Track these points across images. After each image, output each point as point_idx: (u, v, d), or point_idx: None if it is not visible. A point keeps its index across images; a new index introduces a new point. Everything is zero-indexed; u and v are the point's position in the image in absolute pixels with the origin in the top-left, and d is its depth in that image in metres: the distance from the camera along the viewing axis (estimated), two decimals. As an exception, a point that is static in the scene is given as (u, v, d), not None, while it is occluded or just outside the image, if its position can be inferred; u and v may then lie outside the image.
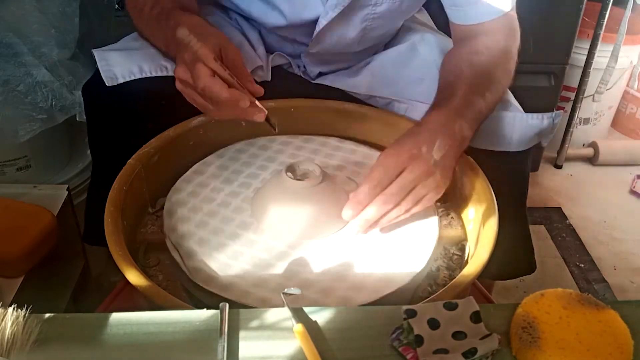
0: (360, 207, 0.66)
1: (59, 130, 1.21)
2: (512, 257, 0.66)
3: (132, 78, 0.81)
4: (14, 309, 0.52)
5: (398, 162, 0.66)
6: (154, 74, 0.82)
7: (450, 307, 0.54)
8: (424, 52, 0.93)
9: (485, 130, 0.82)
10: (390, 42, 1.01)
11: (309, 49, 0.93)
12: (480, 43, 0.84)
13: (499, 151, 0.83)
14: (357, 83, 0.94)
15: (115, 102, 0.82)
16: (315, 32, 0.89)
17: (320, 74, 1.00)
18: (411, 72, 0.92)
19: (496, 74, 0.81)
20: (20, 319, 0.51)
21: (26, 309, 0.52)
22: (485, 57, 0.81)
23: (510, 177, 0.79)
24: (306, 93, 0.92)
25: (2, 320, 0.51)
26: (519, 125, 0.83)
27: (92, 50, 0.84)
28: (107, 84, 0.80)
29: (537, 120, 0.84)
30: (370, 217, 0.66)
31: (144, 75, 0.81)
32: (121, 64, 0.81)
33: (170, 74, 0.82)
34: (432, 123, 0.71)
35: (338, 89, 0.95)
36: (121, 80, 0.80)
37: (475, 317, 0.54)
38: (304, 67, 1.00)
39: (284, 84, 0.95)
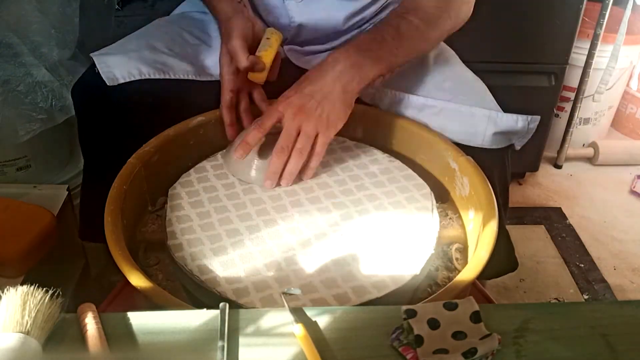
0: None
1: (59, 130, 1.21)
2: (493, 256, 0.67)
3: (132, 79, 0.83)
4: (34, 288, 0.52)
5: (276, 112, 0.76)
6: (151, 77, 0.84)
7: (450, 307, 0.54)
8: None
9: (460, 125, 0.84)
10: None
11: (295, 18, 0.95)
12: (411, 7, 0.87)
13: (474, 148, 0.84)
14: None
15: (106, 102, 0.83)
16: None
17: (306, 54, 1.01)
18: None
19: (415, 35, 0.85)
20: (46, 300, 0.52)
21: (45, 290, 0.53)
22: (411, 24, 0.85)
23: (488, 174, 0.80)
24: (295, 78, 0.93)
25: (23, 297, 0.51)
26: (492, 122, 0.84)
27: (90, 54, 0.85)
28: (108, 84, 0.82)
29: (511, 121, 0.84)
30: (275, 169, 0.76)
31: (142, 77, 0.83)
32: (120, 66, 0.83)
33: (166, 76, 0.85)
34: (327, 61, 0.78)
35: None
36: (121, 81, 0.82)
37: (475, 317, 0.54)
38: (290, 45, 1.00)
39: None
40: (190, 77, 0.87)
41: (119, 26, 1.34)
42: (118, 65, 0.83)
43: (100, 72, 0.82)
